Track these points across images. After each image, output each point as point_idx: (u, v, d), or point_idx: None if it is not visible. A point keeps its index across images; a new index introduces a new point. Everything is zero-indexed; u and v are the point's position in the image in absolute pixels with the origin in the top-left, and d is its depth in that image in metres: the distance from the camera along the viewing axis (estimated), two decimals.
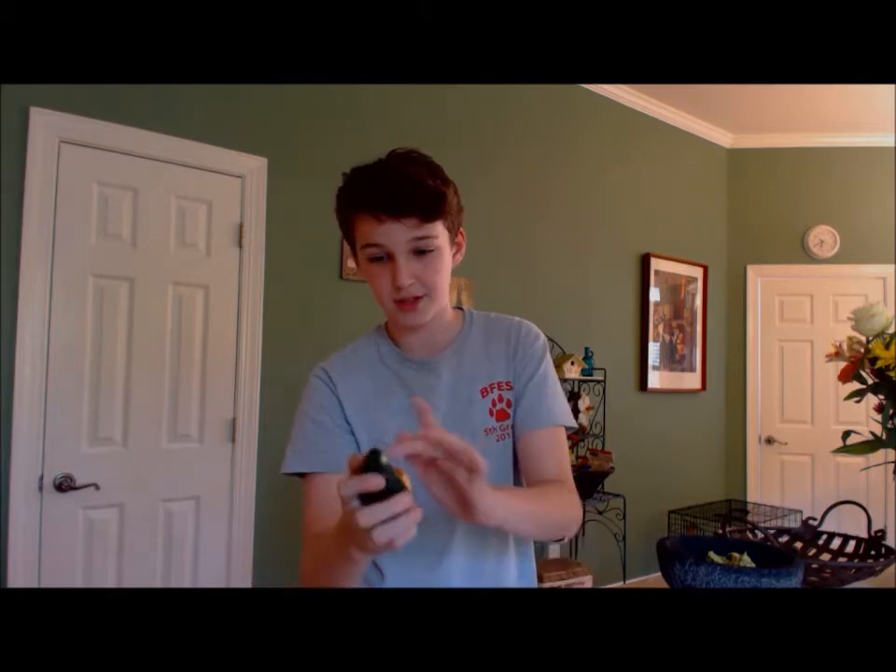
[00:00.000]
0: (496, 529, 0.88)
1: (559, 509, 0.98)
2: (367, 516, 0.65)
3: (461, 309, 1.14)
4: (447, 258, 1.01)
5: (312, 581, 0.93)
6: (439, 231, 0.97)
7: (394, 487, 0.65)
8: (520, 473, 1.10)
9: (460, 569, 1.02)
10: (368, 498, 0.65)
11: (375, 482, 0.64)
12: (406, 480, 0.68)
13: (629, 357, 3.77)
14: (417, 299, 0.98)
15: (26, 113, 1.99)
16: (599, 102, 3.64)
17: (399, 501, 0.65)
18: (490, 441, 1.05)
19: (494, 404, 1.07)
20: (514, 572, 1.08)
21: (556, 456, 1.08)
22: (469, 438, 1.01)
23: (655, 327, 3.88)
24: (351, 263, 2.64)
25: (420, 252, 0.96)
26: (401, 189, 0.93)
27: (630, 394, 3.75)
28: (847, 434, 1.36)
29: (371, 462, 0.65)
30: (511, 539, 1.07)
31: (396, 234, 0.93)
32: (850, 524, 1.58)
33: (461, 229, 1.06)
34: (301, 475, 1.02)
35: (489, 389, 1.07)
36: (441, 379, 1.06)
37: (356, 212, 0.96)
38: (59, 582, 2.03)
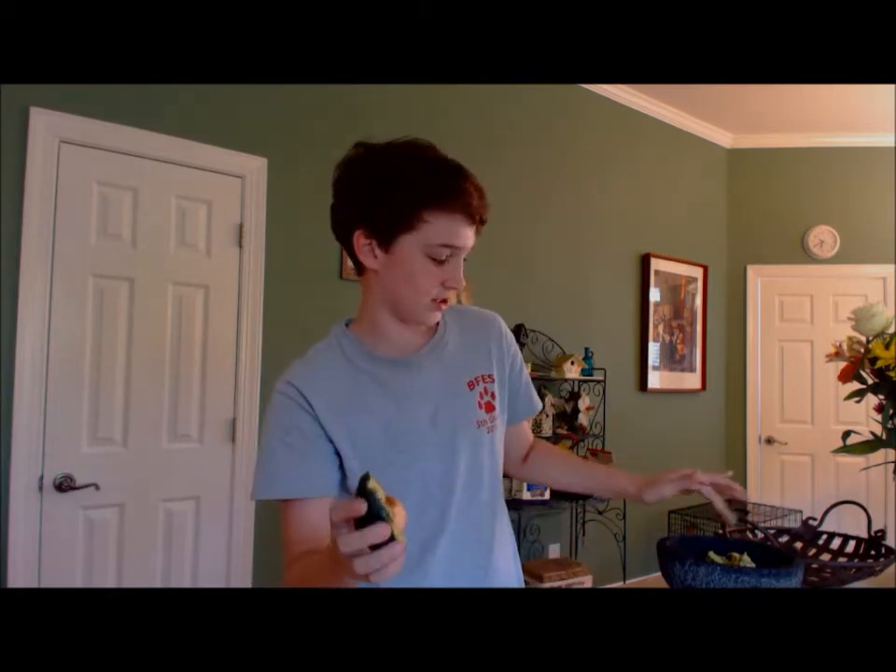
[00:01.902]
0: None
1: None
2: (344, 542, 0.63)
3: None
4: None
5: None
6: None
7: (376, 515, 0.62)
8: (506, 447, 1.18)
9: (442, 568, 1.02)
10: (358, 524, 0.63)
11: (357, 507, 0.63)
12: (397, 510, 0.65)
13: (629, 357, 3.77)
14: (447, 299, 1.01)
15: (26, 113, 1.99)
16: (599, 102, 3.64)
17: (373, 531, 0.62)
18: (481, 433, 1.06)
19: (481, 396, 1.08)
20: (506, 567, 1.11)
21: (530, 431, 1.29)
22: (463, 431, 1.04)
23: (655, 327, 3.88)
24: (352, 263, 2.64)
25: (464, 259, 0.99)
26: (484, 196, 0.96)
27: (630, 394, 3.75)
28: (847, 434, 1.36)
29: (359, 487, 0.63)
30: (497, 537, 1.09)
31: (470, 240, 0.97)
32: (850, 524, 1.57)
33: None
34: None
35: (475, 382, 1.08)
36: (423, 377, 1.04)
37: (438, 208, 0.92)
38: (59, 582, 2.03)
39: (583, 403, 3.24)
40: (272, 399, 1.01)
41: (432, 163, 0.94)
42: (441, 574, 1.00)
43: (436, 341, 1.08)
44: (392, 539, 0.63)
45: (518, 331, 3.07)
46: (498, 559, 1.08)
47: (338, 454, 0.98)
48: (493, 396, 1.09)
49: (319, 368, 1.03)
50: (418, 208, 0.92)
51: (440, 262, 0.95)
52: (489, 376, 1.10)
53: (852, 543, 1.52)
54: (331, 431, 0.98)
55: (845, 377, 1.40)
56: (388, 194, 0.92)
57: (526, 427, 1.29)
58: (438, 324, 1.09)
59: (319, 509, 0.95)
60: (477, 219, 0.96)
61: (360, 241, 0.97)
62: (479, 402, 1.07)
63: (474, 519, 1.04)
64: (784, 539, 1.56)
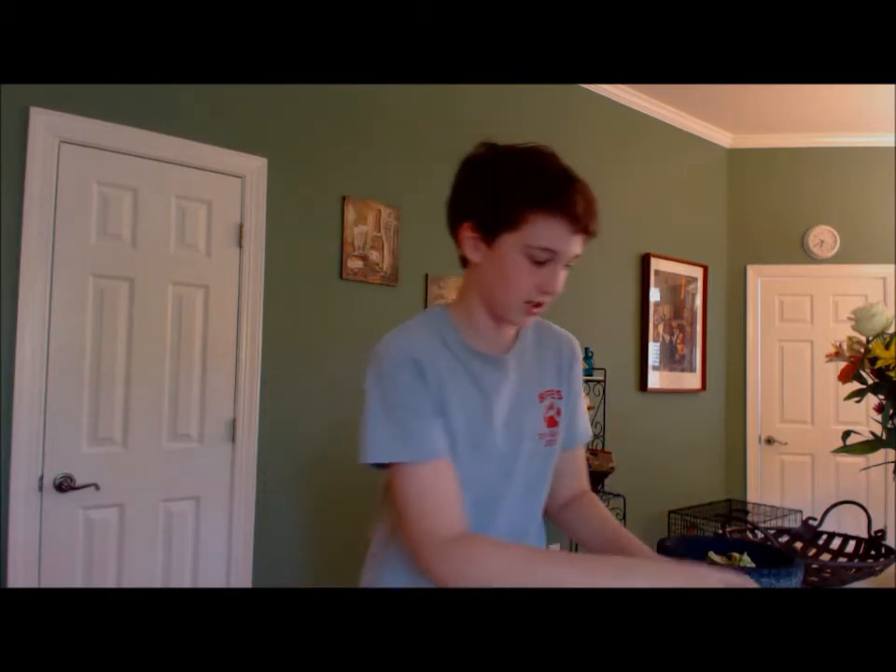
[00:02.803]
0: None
1: None
2: None
3: None
4: None
5: (487, 577, 0.86)
6: None
7: None
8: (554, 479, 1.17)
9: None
10: None
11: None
12: None
13: (629, 357, 3.77)
14: (543, 304, 1.00)
15: (26, 113, 1.99)
16: (599, 102, 3.64)
17: None
18: (540, 445, 1.08)
19: (547, 410, 1.10)
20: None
21: (584, 470, 1.26)
22: (526, 440, 1.07)
23: (655, 327, 3.88)
24: (352, 263, 2.65)
25: (567, 266, 0.99)
26: (593, 207, 0.95)
27: (630, 394, 3.75)
28: (847, 434, 1.36)
29: None
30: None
31: (573, 248, 0.96)
32: (850, 524, 1.58)
33: None
34: (384, 465, 0.96)
35: (545, 395, 1.11)
36: (508, 377, 1.06)
37: (541, 210, 0.93)
38: (59, 582, 2.03)
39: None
40: (382, 369, 0.97)
41: (544, 167, 0.95)
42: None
43: (518, 346, 1.10)
44: None
45: None
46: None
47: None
48: (558, 412, 1.12)
49: (423, 344, 1.01)
50: (522, 208, 0.93)
51: (538, 265, 0.95)
52: (557, 392, 1.13)
53: (852, 543, 1.52)
54: (440, 404, 0.98)
55: (845, 377, 1.40)
56: (496, 191, 0.95)
57: (580, 458, 1.25)
58: (520, 331, 1.11)
59: (444, 470, 0.94)
60: (581, 228, 0.95)
61: (466, 234, 1.00)
62: (544, 415, 1.09)
63: (519, 528, 1.07)
64: (784, 539, 1.56)
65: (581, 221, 0.94)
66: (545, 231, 0.93)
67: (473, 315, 1.05)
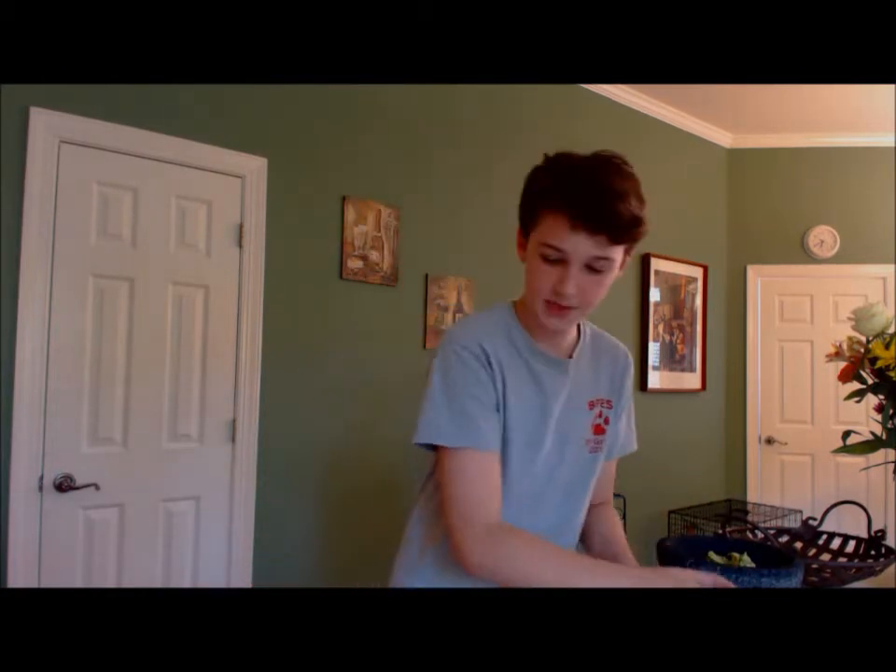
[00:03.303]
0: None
1: None
2: None
3: None
4: (613, 276, 0.99)
5: (527, 576, 0.88)
6: (619, 252, 0.96)
7: None
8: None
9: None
10: None
11: None
12: None
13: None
14: (569, 308, 0.97)
15: (26, 113, 1.99)
16: (599, 102, 3.63)
17: None
18: (585, 451, 1.10)
19: (596, 418, 1.11)
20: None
21: (613, 480, 1.29)
22: (572, 445, 1.08)
23: (655, 327, 3.88)
24: (352, 263, 2.65)
25: (593, 269, 0.95)
26: (605, 204, 0.90)
27: None
28: (847, 434, 1.36)
29: None
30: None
31: (581, 248, 0.92)
32: (850, 524, 1.58)
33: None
34: (434, 447, 0.98)
35: (595, 403, 1.12)
36: (565, 380, 1.07)
37: (548, 208, 0.94)
38: (59, 582, 2.03)
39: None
40: (450, 351, 0.99)
41: (574, 170, 0.94)
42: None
43: (577, 353, 1.10)
44: None
45: None
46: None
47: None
48: (606, 421, 1.13)
49: (492, 335, 1.03)
50: (539, 207, 0.96)
51: (550, 264, 0.95)
52: (608, 402, 1.14)
53: (852, 543, 1.52)
54: (500, 397, 1.00)
55: (845, 377, 1.40)
56: (525, 193, 1.01)
57: (613, 468, 1.29)
58: (579, 337, 1.12)
59: (494, 463, 0.97)
60: (597, 228, 0.90)
61: (518, 235, 1.05)
62: (593, 423, 1.11)
63: (558, 530, 1.08)
64: (784, 539, 1.56)
65: (589, 219, 0.90)
66: (551, 228, 0.93)
67: (530, 315, 1.05)
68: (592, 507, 1.22)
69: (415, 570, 1.08)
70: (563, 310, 0.98)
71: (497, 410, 0.99)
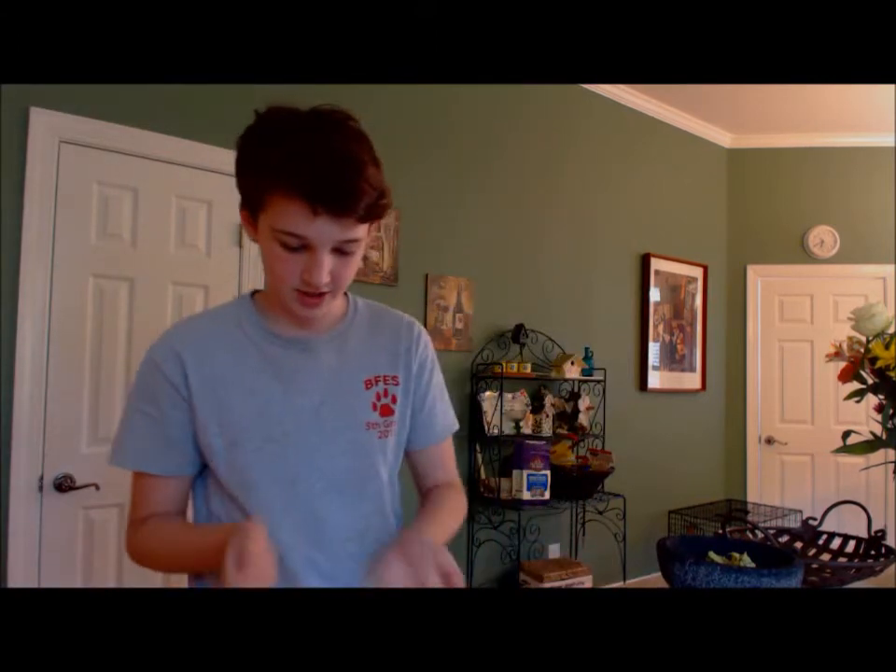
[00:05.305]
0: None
1: (461, 513, 1.07)
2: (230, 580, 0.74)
3: (345, 294, 1.05)
4: (363, 251, 0.91)
5: (146, 558, 1.03)
6: (366, 230, 0.88)
7: None
8: (413, 474, 1.11)
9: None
10: None
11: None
12: None
13: (629, 357, 3.77)
14: (322, 295, 0.88)
15: (26, 113, 1.99)
16: (600, 102, 3.64)
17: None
18: (371, 436, 0.98)
19: (378, 398, 0.99)
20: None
21: (451, 462, 1.14)
22: (348, 431, 0.96)
23: (655, 327, 3.88)
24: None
25: (342, 252, 0.86)
26: (347, 181, 0.80)
27: (630, 394, 3.75)
28: (846, 434, 1.36)
29: None
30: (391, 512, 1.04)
31: (328, 233, 0.82)
32: (850, 524, 1.58)
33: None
34: None
35: (374, 382, 0.99)
36: (317, 362, 0.96)
37: (279, 189, 0.81)
38: (59, 582, 2.03)
39: (583, 403, 3.23)
40: (145, 360, 0.94)
41: (297, 137, 0.81)
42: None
43: (339, 330, 1.00)
44: None
45: (518, 331, 3.07)
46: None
47: (195, 425, 0.93)
48: (393, 399, 1.01)
49: (206, 330, 0.96)
50: (265, 186, 0.83)
51: (293, 252, 0.84)
52: (392, 378, 1.01)
53: (852, 543, 1.52)
54: (198, 402, 0.92)
55: (845, 377, 1.40)
56: (244, 165, 0.88)
57: (445, 452, 1.12)
58: (347, 314, 1.02)
59: (173, 483, 0.97)
60: (343, 211, 0.81)
61: (243, 212, 0.91)
62: (374, 403, 0.99)
63: (352, 531, 0.96)
64: (784, 538, 1.56)
65: (332, 202, 0.79)
66: (286, 213, 0.81)
67: (277, 303, 0.96)
68: (426, 491, 1.11)
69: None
70: (316, 298, 0.88)
71: (187, 419, 0.93)
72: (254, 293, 1.02)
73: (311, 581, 0.92)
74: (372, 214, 0.85)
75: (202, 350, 0.93)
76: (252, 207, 0.87)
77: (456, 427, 1.14)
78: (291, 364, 0.95)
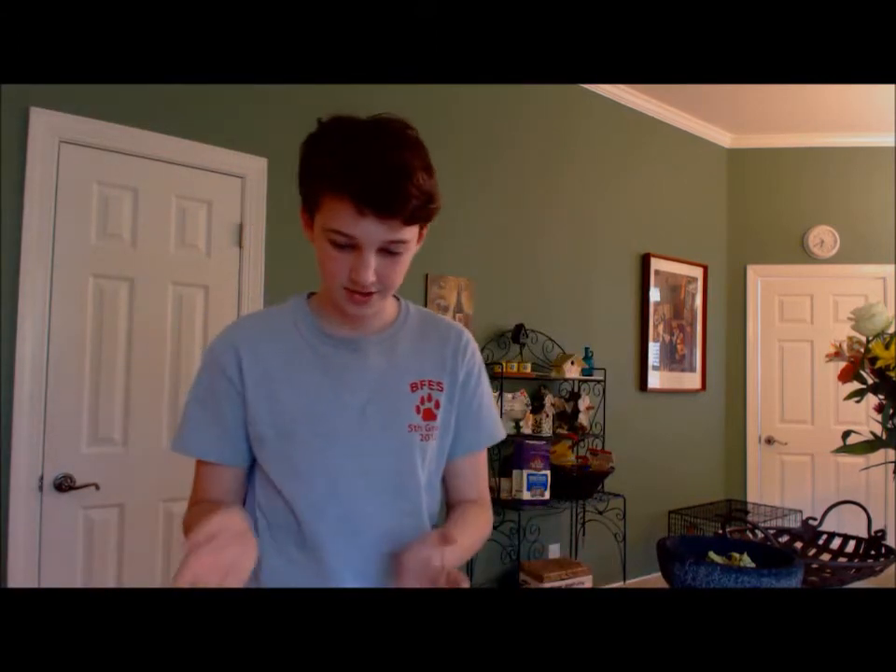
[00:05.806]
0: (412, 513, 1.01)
1: (485, 531, 1.07)
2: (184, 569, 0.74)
3: (396, 298, 1.08)
4: (412, 254, 0.94)
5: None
6: (414, 232, 0.91)
7: None
8: (445, 484, 1.10)
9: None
10: None
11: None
12: None
13: (629, 357, 3.77)
14: (370, 294, 0.92)
15: (26, 113, 1.99)
16: (600, 102, 3.64)
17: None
18: (413, 438, 1.00)
19: (422, 401, 1.01)
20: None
21: (484, 476, 1.14)
22: (392, 431, 0.98)
23: (655, 327, 3.88)
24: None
25: (389, 252, 0.89)
26: (394, 185, 0.83)
27: (630, 394, 3.75)
28: (846, 434, 1.36)
29: None
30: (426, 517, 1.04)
31: (374, 233, 0.86)
32: (850, 524, 1.58)
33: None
34: None
35: (419, 385, 1.02)
36: (366, 362, 0.99)
37: (331, 191, 0.85)
38: (59, 582, 2.03)
39: (583, 403, 3.23)
40: (209, 351, 1.01)
41: (353, 144, 0.85)
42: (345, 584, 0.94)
43: (389, 332, 1.03)
44: None
45: (518, 331, 3.07)
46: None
47: (249, 417, 0.97)
48: (436, 405, 1.02)
49: (264, 327, 1.02)
50: (320, 189, 0.88)
51: (343, 251, 0.88)
52: (437, 383, 1.03)
53: (852, 543, 1.52)
54: (251, 395, 0.96)
55: (845, 377, 1.40)
56: (304, 170, 0.92)
57: (479, 464, 1.13)
58: (398, 317, 1.05)
59: (227, 472, 1.00)
60: (388, 212, 0.84)
61: (302, 213, 0.96)
62: (417, 406, 1.01)
63: (386, 529, 0.97)
64: (784, 538, 1.56)
65: (378, 204, 0.83)
66: (337, 212, 0.85)
67: (329, 302, 1.00)
68: (454, 505, 1.11)
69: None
70: (365, 297, 0.91)
71: (234, 418, 0.98)
72: (310, 295, 1.07)
73: (345, 576, 0.95)
74: (419, 216, 0.89)
75: (258, 346, 0.98)
76: (310, 209, 0.93)
77: (502, 436, 1.14)
78: (341, 362, 0.99)
